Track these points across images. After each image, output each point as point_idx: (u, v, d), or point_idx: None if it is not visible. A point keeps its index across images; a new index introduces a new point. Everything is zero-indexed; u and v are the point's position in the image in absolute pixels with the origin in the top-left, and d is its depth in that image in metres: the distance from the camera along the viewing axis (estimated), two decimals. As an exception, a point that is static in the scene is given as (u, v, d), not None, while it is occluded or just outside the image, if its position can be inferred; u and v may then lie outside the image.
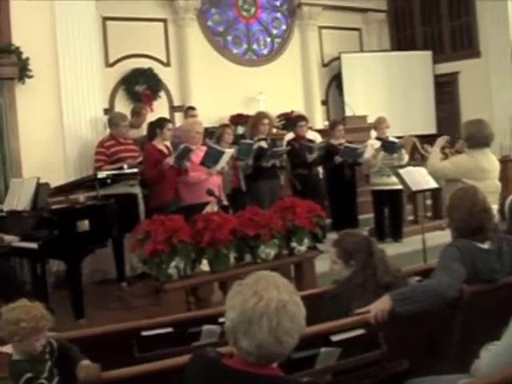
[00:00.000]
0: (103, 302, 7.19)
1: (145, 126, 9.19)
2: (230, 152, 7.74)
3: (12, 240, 6.57)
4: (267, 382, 2.25)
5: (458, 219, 4.14)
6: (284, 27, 14.42)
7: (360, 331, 3.43)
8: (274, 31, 14.36)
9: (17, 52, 8.13)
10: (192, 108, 10.62)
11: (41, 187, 6.95)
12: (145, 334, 3.68)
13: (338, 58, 14.35)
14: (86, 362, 3.14)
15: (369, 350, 3.42)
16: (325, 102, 14.71)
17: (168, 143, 8.03)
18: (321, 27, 14.51)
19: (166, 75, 12.12)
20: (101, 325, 4.71)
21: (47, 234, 6.36)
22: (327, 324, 3.45)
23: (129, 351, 3.54)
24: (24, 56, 8.17)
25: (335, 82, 14.75)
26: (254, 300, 2.22)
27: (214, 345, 3.20)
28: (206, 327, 3.76)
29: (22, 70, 8.16)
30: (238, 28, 13.88)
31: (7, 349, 5.49)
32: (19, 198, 7.01)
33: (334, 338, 3.30)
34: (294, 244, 6.33)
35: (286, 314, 2.21)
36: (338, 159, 9.32)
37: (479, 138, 6.06)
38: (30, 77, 8.23)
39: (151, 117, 9.43)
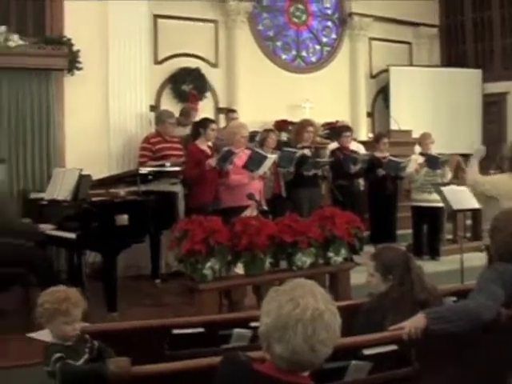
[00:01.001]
0: (136, 298, 7.24)
1: (191, 126, 9.29)
2: (272, 158, 7.76)
3: (46, 228, 6.65)
4: (298, 389, 2.23)
5: (500, 242, 4.07)
6: (334, 36, 14.35)
7: (392, 347, 3.40)
8: (324, 39, 14.28)
9: (68, 44, 8.27)
10: (233, 111, 10.60)
11: (83, 179, 7.00)
12: (176, 332, 3.68)
13: (387, 71, 14.24)
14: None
15: (400, 367, 3.39)
16: (370, 114, 14.59)
17: (211, 144, 8.05)
18: (371, 38, 14.39)
19: (214, 76, 12.11)
20: (132, 319, 4.74)
21: (86, 225, 6.40)
22: (360, 337, 3.43)
23: (159, 348, 3.55)
24: (75, 48, 8.29)
25: (382, 95, 14.64)
26: (290, 306, 2.20)
27: (243, 349, 3.18)
28: (236, 330, 3.76)
29: (72, 62, 8.30)
30: (288, 34, 13.82)
31: (38, 335, 5.57)
32: (61, 188, 7.08)
33: (366, 352, 3.27)
34: (330, 254, 6.26)
35: (321, 323, 2.19)
36: (380, 172, 9.28)
37: None
38: (80, 69, 8.37)
39: (196, 117, 9.46)
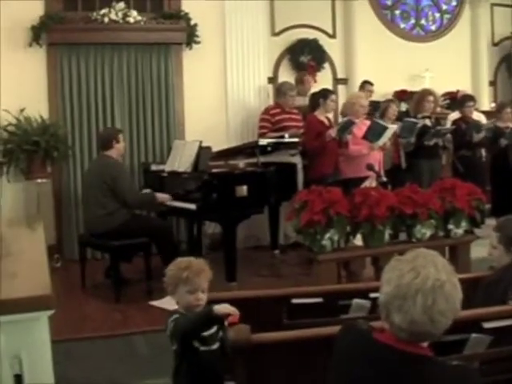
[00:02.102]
0: (255, 268, 7.30)
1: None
2: (393, 128, 7.67)
3: (163, 198, 6.79)
4: (417, 360, 2.18)
5: None
6: (454, 3, 13.84)
7: (514, 321, 3.30)
8: (444, 7, 13.82)
9: (185, 18, 8.41)
10: (369, 83, 10.52)
11: (203, 151, 7.11)
12: (295, 301, 3.69)
13: (510, 38, 13.71)
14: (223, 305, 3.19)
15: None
16: (492, 83, 14.11)
17: (330, 115, 8.00)
18: (493, 4, 13.81)
19: (331, 47, 11.98)
20: (251, 290, 4.77)
21: (206, 196, 6.50)
22: (480, 310, 3.36)
23: (278, 317, 3.56)
24: (192, 22, 8.40)
25: (505, 63, 14.10)
26: (411, 276, 2.15)
27: (363, 319, 3.16)
28: (355, 301, 3.73)
29: (190, 36, 8.43)
30: (407, 2, 13.42)
31: (160, 303, 5.71)
32: (181, 160, 7.21)
33: (487, 325, 3.20)
34: (450, 226, 6.18)
35: (441, 294, 2.13)
36: (503, 142, 9.00)
37: None
38: (198, 43, 8.48)
39: (314, 88, 9.41)
